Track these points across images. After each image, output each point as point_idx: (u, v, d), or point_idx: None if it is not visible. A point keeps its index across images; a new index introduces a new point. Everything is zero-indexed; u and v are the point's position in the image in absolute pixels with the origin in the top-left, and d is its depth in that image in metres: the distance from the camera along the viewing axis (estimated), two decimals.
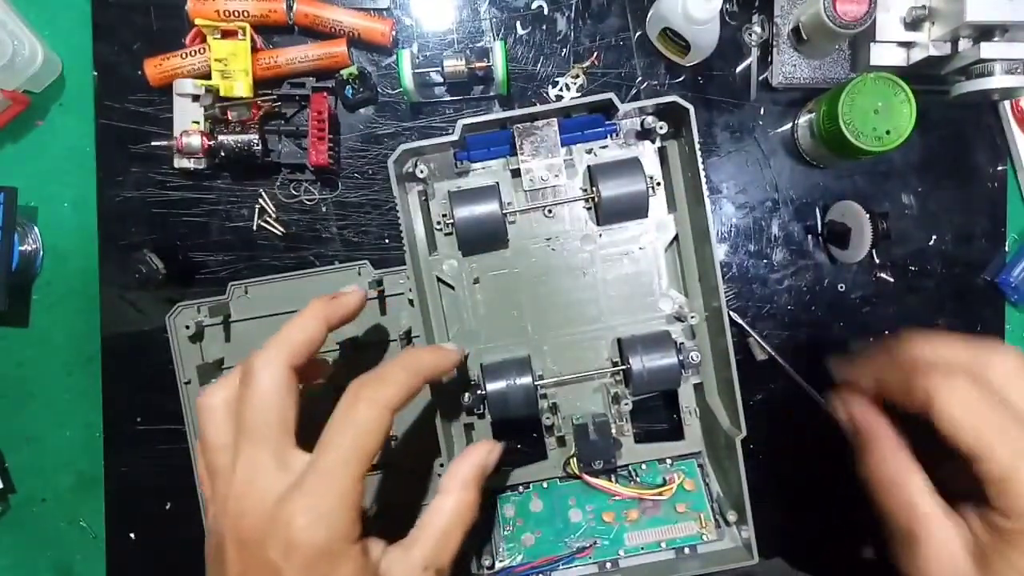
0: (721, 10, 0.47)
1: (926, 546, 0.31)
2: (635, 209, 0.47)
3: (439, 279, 0.49)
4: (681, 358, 0.46)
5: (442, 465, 0.47)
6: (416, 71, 0.49)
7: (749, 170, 0.53)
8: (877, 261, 0.53)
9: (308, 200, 0.52)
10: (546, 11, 0.53)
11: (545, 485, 0.49)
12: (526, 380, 0.45)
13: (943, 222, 0.54)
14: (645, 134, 0.48)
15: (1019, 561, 0.28)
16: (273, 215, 0.52)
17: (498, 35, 0.53)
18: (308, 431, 0.33)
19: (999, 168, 0.54)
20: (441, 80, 0.51)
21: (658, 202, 0.49)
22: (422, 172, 0.46)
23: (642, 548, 0.47)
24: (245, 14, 0.49)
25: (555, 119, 0.47)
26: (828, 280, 0.54)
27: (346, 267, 0.50)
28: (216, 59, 0.49)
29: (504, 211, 0.46)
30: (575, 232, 0.49)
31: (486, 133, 0.47)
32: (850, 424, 0.35)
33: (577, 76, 0.52)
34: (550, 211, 0.49)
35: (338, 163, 0.52)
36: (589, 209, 0.49)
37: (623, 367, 0.46)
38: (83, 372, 0.54)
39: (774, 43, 0.52)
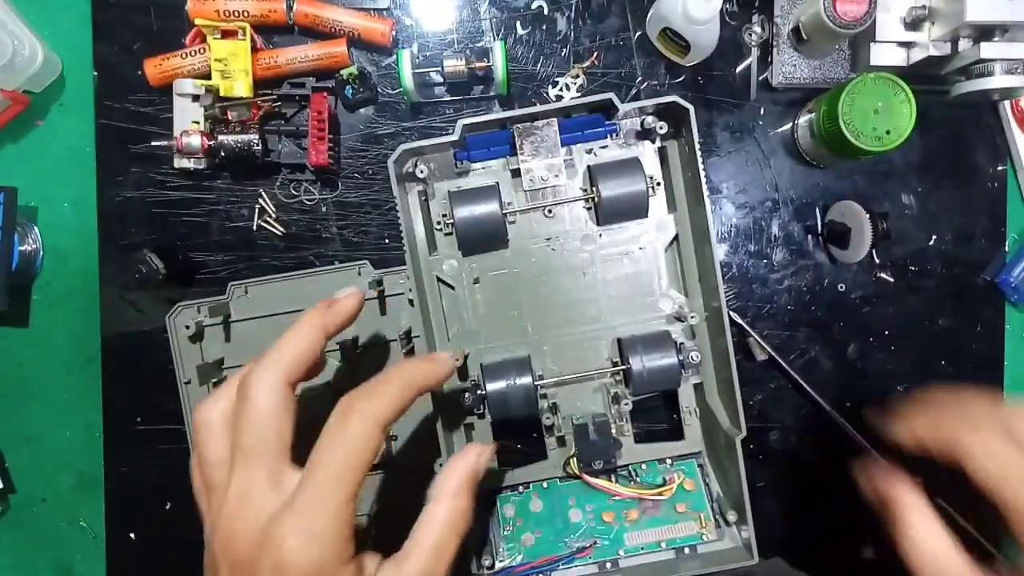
0: (721, 10, 0.47)
1: None
2: (635, 209, 0.47)
3: (439, 279, 0.49)
4: (681, 358, 0.46)
5: (441, 465, 0.47)
6: (416, 71, 0.49)
7: (749, 170, 0.53)
8: (877, 261, 0.53)
9: (308, 200, 0.52)
10: (546, 11, 0.53)
11: (545, 485, 0.49)
12: (526, 380, 0.45)
13: (943, 222, 0.54)
14: (645, 134, 0.48)
15: None
16: (273, 215, 0.52)
17: (498, 35, 0.53)
18: (309, 433, 0.32)
19: (999, 168, 0.54)
20: (441, 80, 0.51)
21: (658, 202, 0.49)
22: (422, 172, 0.46)
23: (642, 548, 0.47)
24: (245, 14, 0.49)
25: (555, 119, 0.47)
26: (828, 280, 0.54)
27: (346, 267, 0.50)
28: (216, 59, 0.49)
29: (504, 211, 0.46)
30: (575, 232, 0.49)
31: (486, 133, 0.47)
32: (875, 496, 0.37)
33: (577, 76, 0.52)
34: (550, 211, 0.49)
35: (338, 163, 0.52)
36: (589, 209, 0.49)
37: (623, 367, 0.46)
38: (83, 372, 0.54)
39: (774, 43, 0.52)
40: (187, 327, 0.48)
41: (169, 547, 0.52)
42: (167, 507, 0.53)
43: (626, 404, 0.47)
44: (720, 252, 0.53)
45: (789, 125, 0.53)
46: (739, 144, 0.53)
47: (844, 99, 0.46)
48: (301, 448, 0.32)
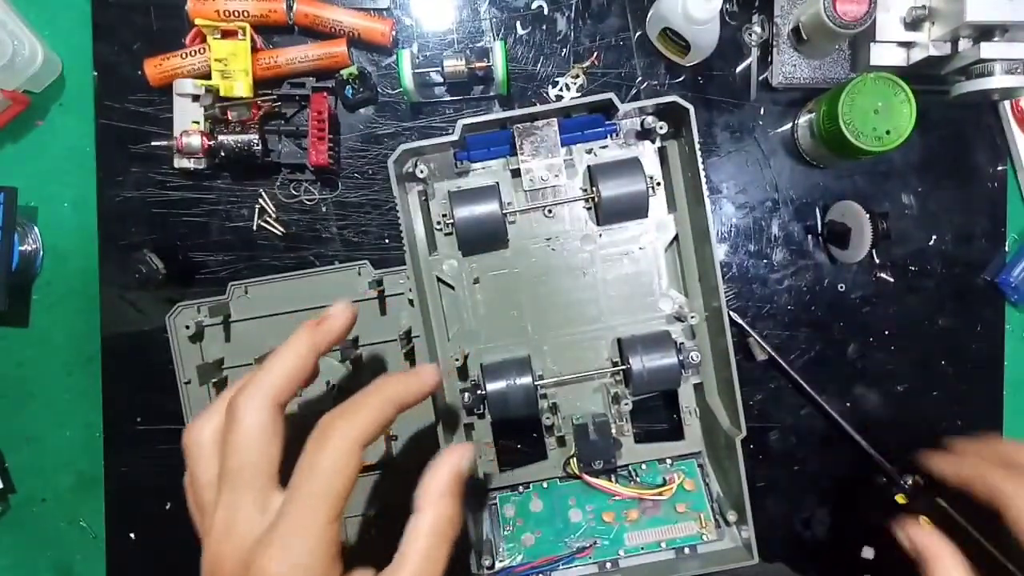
0: (721, 10, 0.47)
1: None
2: (635, 209, 0.47)
3: (439, 279, 0.49)
4: (681, 358, 0.46)
5: None
6: (416, 71, 0.49)
7: (749, 170, 0.53)
8: (877, 261, 0.53)
9: (308, 200, 0.52)
10: (546, 11, 0.53)
11: (545, 485, 0.49)
12: (526, 380, 0.45)
13: (943, 222, 0.54)
14: (645, 134, 0.48)
15: None
16: (273, 215, 0.52)
17: (498, 35, 0.53)
18: (305, 438, 0.32)
19: (999, 168, 0.54)
20: (441, 80, 0.51)
21: (658, 202, 0.49)
22: (422, 172, 0.46)
23: (642, 548, 0.47)
24: (245, 14, 0.49)
25: (555, 119, 0.47)
26: (828, 280, 0.54)
27: (346, 267, 0.50)
28: (216, 59, 0.49)
29: (504, 211, 0.46)
30: (575, 232, 0.49)
31: (486, 133, 0.47)
32: (913, 549, 0.40)
33: (577, 76, 0.52)
34: (550, 211, 0.49)
35: (338, 163, 0.52)
36: (589, 209, 0.49)
37: (623, 367, 0.46)
38: (83, 372, 0.54)
39: (774, 43, 0.52)
40: (187, 327, 0.48)
41: (169, 547, 0.52)
42: (167, 507, 0.53)
43: (626, 404, 0.47)
44: (720, 252, 0.53)
45: (789, 125, 0.53)
46: (739, 144, 0.53)
47: (844, 99, 0.46)
48: (293, 462, 0.32)
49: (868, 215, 0.49)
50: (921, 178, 0.54)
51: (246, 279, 0.50)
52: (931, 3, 0.47)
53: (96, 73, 0.52)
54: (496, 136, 0.47)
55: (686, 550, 0.47)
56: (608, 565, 0.47)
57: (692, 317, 0.47)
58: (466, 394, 0.46)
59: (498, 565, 0.46)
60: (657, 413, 0.52)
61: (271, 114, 0.51)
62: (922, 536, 0.39)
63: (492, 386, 0.45)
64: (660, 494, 0.47)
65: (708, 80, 0.53)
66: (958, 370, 0.54)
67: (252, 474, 0.31)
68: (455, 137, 0.45)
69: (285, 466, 0.32)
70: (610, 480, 0.48)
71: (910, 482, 0.51)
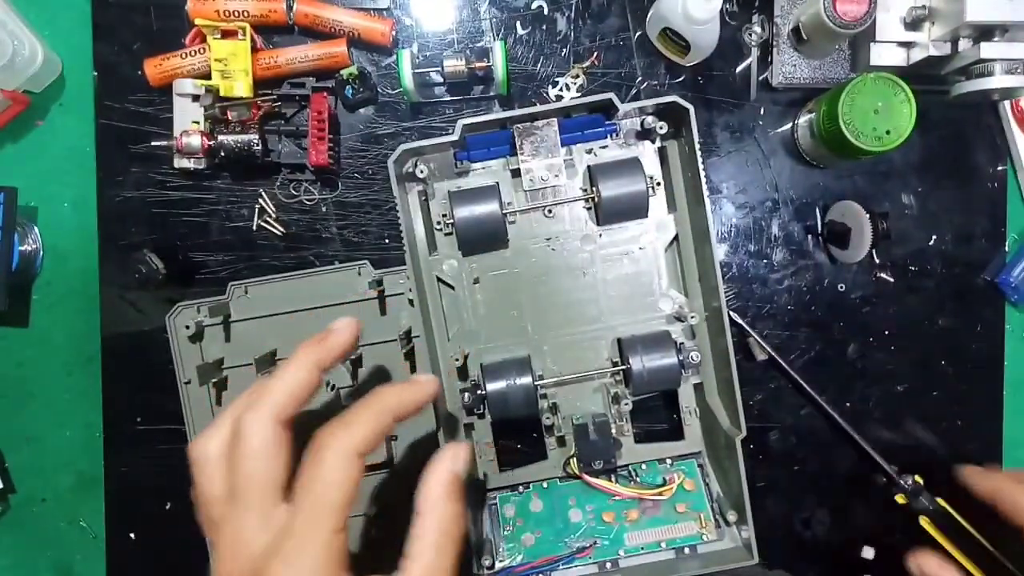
0: (721, 10, 0.47)
1: None
2: (635, 209, 0.47)
3: (439, 279, 0.49)
4: (681, 358, 0.46)
5: None
6: (416, 71, 0.49)
7: (749, 170, 0.53)
8: (877, 261, 0.53)
9: (308, 200, 0.52)
10: (546, 11, 0.53)
11: (545, 485, 0.49)
12: (526, 380, 0.45)
13: (943, 222, 0.54)
14: (645, 134, 0.48)
15: None
16: (273, 215, 0.52)
17: (498, 35, 0.53)
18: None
19: (999, 168, 0.54)
20: (441, 80, 0.51)
21: (658, 202, 0.49)
22: (422, 172, 0.46)
23: (642, 548, 0.47)
24: (245, 14, 0.49)
25: (555, 119, 0.47)
26: (828, 280, 0.54)
27: (346, 267, 0.50)
28: (216, 59, 0.49)
29: (504, 211, 0.46)
30: (575, 232, 0.49)
31: (486, 133, 0.47)
32: (919, 572, 0.44)
33: (577, 76, 0.52)
34: (550, 211, 0.49)
35: (338, 163, 0.52)
36: (589, 209, 0.49)
37: (623, 367, 0.46)
38: (83, 372, 0.54)
39: (774, 43, 0.52)
40: (187, 327, 0.48)
41: (169, 547, 0.52)
42: (167, 507, 0.53)
43: (626, 404, 0.47)
44: (720, 252, 0.53)
45: (789, 125, 0.53)
46: (739, 144, 0.53)
47: (844, 99, 0.46)
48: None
49: (868, 215, 0.49)
50: (921, 178, 0.54)
51: (246, 279, 0.50)
52: (931, 3, 0.47)
53: (96, 73, 0.52)
54: (496, 136, 0.47)
55: (686, 550, 0.47)
56: (608, 565, 0.47)
57: (692, 317, 0.47)
58: (466, 394, 0.46)
59: (498, 565, 0.46)
60: (657, 413, 0.52)
61: (271, 114, 0.51)
62: (930, 562, 0.44)
63: (492, 386, 0.45)
64: (660, 494, 0.47)
65: (708, 80, 0.53)
66: (958, 370, 0.54)
67: (259, 490, 0.31)
68: (455, 137, 0.45)
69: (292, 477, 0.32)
70: (610, 480, 0.48)
71: (910, 482, 0.51)
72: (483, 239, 0.48)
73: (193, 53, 0.50)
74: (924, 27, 0.48)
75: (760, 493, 0.52)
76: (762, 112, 0.53)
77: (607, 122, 0.48)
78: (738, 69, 0.53)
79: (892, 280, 0.54)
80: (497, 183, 0.48)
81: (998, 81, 0.46)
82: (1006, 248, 0.54)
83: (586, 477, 0.47)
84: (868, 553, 0.54)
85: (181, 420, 0.50)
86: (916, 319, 0.54)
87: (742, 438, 0.44)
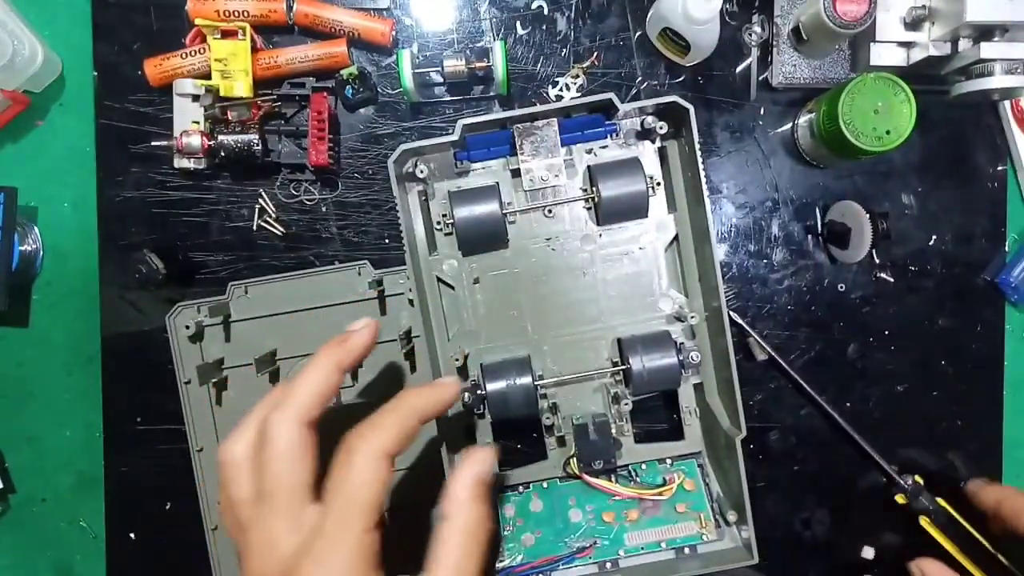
0: (721, 10, 0.47)
1: None
2: (635, 209, 0.47)
3: (439, 279, 0.49)
4: (681, 358, 0.46)
5: (444, 458, 0.47)
6: (416, 71, 0.49)
7: (749, 170, 0.53)
8: (877, 261, 0.53)
9: (308, 200, 0.52)
10: (546, 11, 0.53)
11: (545, 485, 0.49)
12: (526, 380, 0.45)
13: (943, 222, 0.54)
14: (645, 134, 0.48)
15: None
16: (273, 215, 0.52)
17: (498, 35, 0.53)
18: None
19: (999, 168, 0.54)
20: (441, 80, 0.51)
21: (658, 202, 0.49)
22: (422, 172, 0.46)
23: (642, 548, 0.47)
24: (245, 14, 0.49)
25: (555, 119, 0.47)
26: (828, 280, 0.54)
27: (346, 267, 0.50)
28: (216, 59, 0.49)
29: (504, 211, 0.46)
30: (575, 232, 0.49)
31: (486, 133, 0.47)
32: None
33: (577, 76, 0.52)
34: (550, 211, 0.49)
35: (338, 163, 0.52)
36: (589, 209, 0.49)
37: (623, 367, 0.46)
38: (83, 372, 0.54)
39: (774, 43, 0.52)
40: (187, 327, 0.48)
41: (169, 547, 0.53)
42: (167, 507, 0.53)
43: (626, 404, 0.47)
44: (720, 252, 0.53)
45: (789, 125, 0.53)
46: (739, 144, 0.53)
47: (844, 99, 0.46)
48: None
49: (868, 215, 0.49)
50: (921, 178, 0.54)
51: (246, 279, 0.50)
52: (931, 3, 0.47)
53: (96, 73, 0.52)
54: (496, 136, 0.47)
55: (686, 550, 0.47)
56: (608, 565, 0.47)
57: (692, 317, 0.47)
58: (466, 394, 0.46)
59: (498, 565, 0.46)
60: (657, 413, 0.52)
61: (271, 114, 0.51)
62: (932, 567, 0.46)
63: (492, 386, 0.45)
64: (660, 494, 0.47)
65: (708, 80, 0.53)
66: (958, 370, 0.54)
67: (287, 492, 0.31)
68: (455, 137, 0.45)
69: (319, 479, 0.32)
70: (610, 480, 0.48)
71: (910, 482, 0.51)
72: (483, 239, 0.48)
73: (193, 53, 0.50)
74: (924, 27, 0.48)
75: (760, 493, 0.52)
76: (762, 112, 0.53)
77: (607, 122, 0.48)
78: (738, 69, 0.53)
79: (892, 280, 0.54)
80: (497, 183, 0.48)
81: (998, 81, 0.46)
82: (1006, 248, 0.54)
83: (586, 477, 0.47)
84: (868, 553, 0.54)
85: (181, 420, 0.50)
86: (916, 319, 0.54)
87: (742, 438, 0.44)
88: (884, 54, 0.49)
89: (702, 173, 0.45)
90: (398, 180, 0.46)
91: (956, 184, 0.54)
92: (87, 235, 0.53)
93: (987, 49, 0.45)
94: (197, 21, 0.49)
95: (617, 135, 0.48)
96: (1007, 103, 0.53)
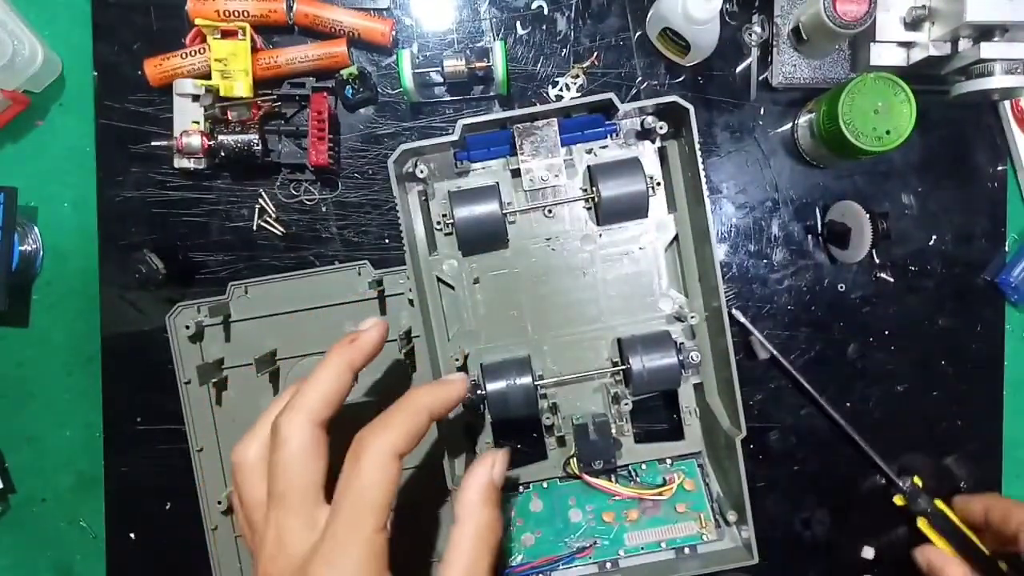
0: (721, 10, 0.47)
1: None
2: (635, 209, 0.47)
3: (439, 279, 0.49)
4: (681, 358, 0.46)
5: (447, 459, 0.47)
6: (416, 71, 0.49)
7: (749, 170, 0.53)
8: (877, 261, 0.53)
9: (308, 200, 0.52)
10: (546, 11, 0.53)
11: (545, 485, 0.49)
12: (526, 380, 0.45)
13: (943, 222, 0.54)
14: (645, 134, 0.48)
15: None
16: (273, 215, 0.52)
17: (498, 35, 0.53)
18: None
19: (999, 168, 0.54)
20: (441, 80, 0.51)
21: (658, 202, 0.49)
22: (422, 172, 0.46)
23: (642, 548, 0.47)
24: (245, 14, 0.49)
25: (555, 119, 0.47)
26: (828, 280, 0.54)
27: (346, 267, 0.50)
28: (216, 59, 0.49)
29: (504, 211, 0.46)
30: (575, 232, 0.49)
31: (486, 133, 0.47)
32: (928, 566, 0.47)
33: (577, 76, 0.52)
34: (550, 211, 0.49)
35: (338, 163, 0.52)
36: (589, 209, 0.49)
37: (623, 367, 0.46)
38: (83, 372, 0.54)
39: (774, 43, 0.52)
40: (187, 327, 0.48)
41: (169, 547, 0.53)
42: (167, 507, 0.53)
43: (626, 404, 0.47)
44: (720, 252, 0.53)
45: (789, 125, 0.53)
46: (739, 144, 0.53)
47: (844, 99, 0.46)
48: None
49: (868, 215, 0.49)
50: (921, 178, 0.54)
51: (246, 279, 0.50)
52: (931, 3, 0.47)
53: (96, 73, 0.52)
54: (496, 136, 0.47)
55: (686, 550, 0.47)
56: (608, 565, 0.47)
57: (692, 317, 0.47)
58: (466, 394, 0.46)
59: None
60: (657, 413, 0.52)
61: (271, 114, 0.51)
62: (935, 555, 0.46)
63: (492, 386, 0.45)
64: (660, 494, 0.47)
65: (708, 80, 0.53)
66: (958, 370, 0.54)
67: (300, 494, 0.32)
68: (455, 137, 0.45)
69: (331, 479, 0.33)
70: (610, 480, 0.48)
71: (908, 484, 0.51)
72: (483, 239, 0.48)
73: (193, 53, 0.50)
74: (924, 27, 0.48)
75: (760, 493, 0.52)
76: (762, 112, 0.53)
77: (607, 122, 0.48)
78: (738, 69, 0.53)
79: (892, 280, 0.54)
80: (497, 183, 0.48)
81: (998, 81, 0.46)
82: (1006, 248, 0.54)
83: (586, 477, 0.47)
84: (868, 553, 0.54)
85: (181, 420, 0.50)
86: (916, 319, 0.54)
87: (742, 438, 0.44)
88: (884, 54, 0.49)
89: (702, 173, 0.45)
90: (398, 180, 0.46)
91: (956, 184, 0.54)
92: (87, 235, 0.53)
93: (987, 49, 0.45)
94: (197, 21, 0.49)
95: (617, 135, 0.48)
96: (1007, 103, 0.53)
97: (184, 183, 0.52)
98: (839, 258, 0.53)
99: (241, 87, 0.49)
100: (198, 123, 0.50)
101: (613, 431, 0.47)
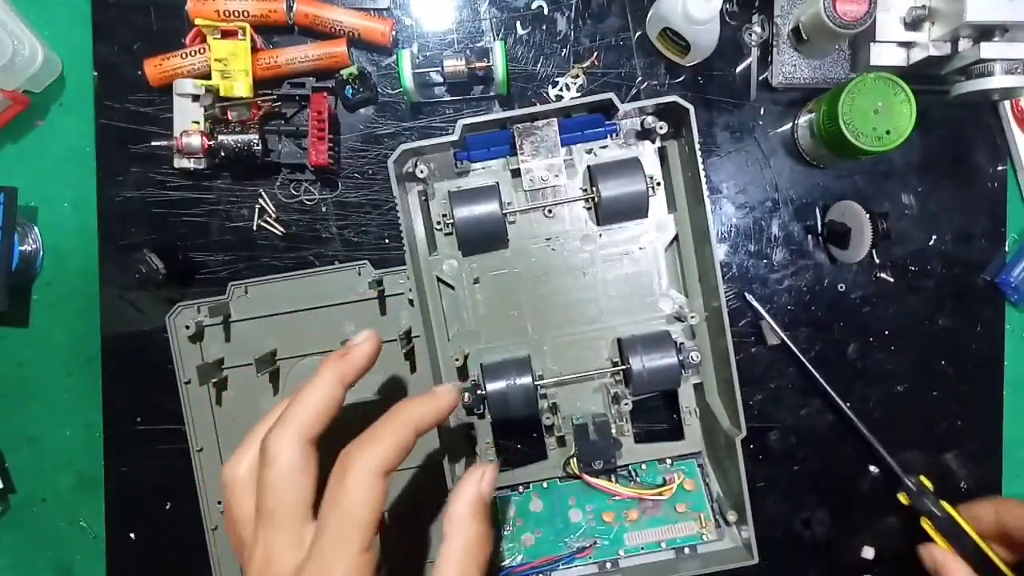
0: (721, 10, 0.47)
1: None
2: (635, 209, 0.47)
3: (439, 279, 0.49)
4: (681, 358, 0.46)
5: (446, 460, 0.47)
6: (416, 71, 0.49)
7: (749, 170, 0.53)
8: (877, 261, 0.53)
9: (308, 200, 0.52)
10: (546, 11, 0.53)
11: (545, 485, 0.49)
12: (526, 380, 0.45)
13: (943, 222, 0.54)
14: (645, 134, 0.48)
15: None
16: (273, 215, 0.52)
17: (498, 35, 0.53)
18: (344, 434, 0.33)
19: (999, 168, 0.54)
20: (441, 80, 0.51)
21: (658, 202, 0.49)
22: (422, 172, 0.46)
23: (642, 548, 0.47)
24: (245, 14, 0.49)
25: (555, 119, 0.47)
26: (828, 280, 0.54)
27: (346, 267, 0.50)
28: (216, 59, 0.49)
29: (504, 211, 0.46)
30: (575, 232, 0.49)
31: (486, 133, 0.47)
32: (932, 564, 0.47)
33: (577, 76, 0.52)
34: (550, 211, 0.49)
35: (338, 163, 0.52)
36: (589, 209, 0.49)
37: (623, 367, 0.46)
38: (83, 372, 0.54)
39: (774, 43, 0.52)
40: (187, 327, 0.48)
41: (169, 547, 0.53)
42: (167, 507, 0.53)
43: (626, 404, 0.47)
44: (720, 252, 0.53)
45: (789, 125, 0.53)
46: (739, 144, 0.53)
47: (844, 99, 0.46)
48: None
49: (868, 215, 0.49)
50: (921, 178, 0.54)
51: (246, 279, 0.50)
52: (931, 3, 0.47)
53: (96, 73, 0.52)
54: (496, 136, 0.47)
55: (686, 550, 0.47)
56: (608, 565, 0.47)
57: (692, 317, 0.47)
58: (466, 394, 0.46)
59: (498, 565, 0.46)
60: (657, 413, 0.52)
61: (271, 114, 0.51)
62: (941, 555, 0.46)
63: (492, 386, 0.45)
64: (660, 494, 0.47)
65: (708, 80, 0.53)
66: (958, 370, 0.54)
67: (289, 510, 0.32)
68: (455, 137, 0.45)
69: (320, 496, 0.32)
70: (610, 480, 0.48)
71: (915, 482, 0.51)
72: (483, 239, 0.48)
73: (193, 53, 0.50)
74: (924, 27, 0.48)
75: (760, 493, 0.52)
76: (762, 112, 0.53)
77: (607, 122, 0.48)
78: (738, 69, 0.53)
79: (892, 280, 0.54)
80: (497, 183, 0.48)
81: (998, 81, 0.46)
82: (1006, 248, 0.54)
83: (586, 477, 0.47)
84: (868, 553, 0.54)
85: (181, 420, 0.50)
86: (916, 319, 0.54)
87: (742, 438, 0.44)
88: (884, 54, 0.49)
89: (702, 173, 0.45)
90: (398, 180, 0.46)
91: (956, 184, 0.54)
92: (87, 235, 0.53)
93: (987, 49, 0.45)
94: (197, 21, 0.49)
95: (617, 135, 0.48)
96: (1007, 103, 0.53)
97: (184, 183, 0.52)
98: (839, 258, 0.53)
99: (241, 87, 0.49)
100: (198, 123, 0.50)
101: (613, 431, 0.47)
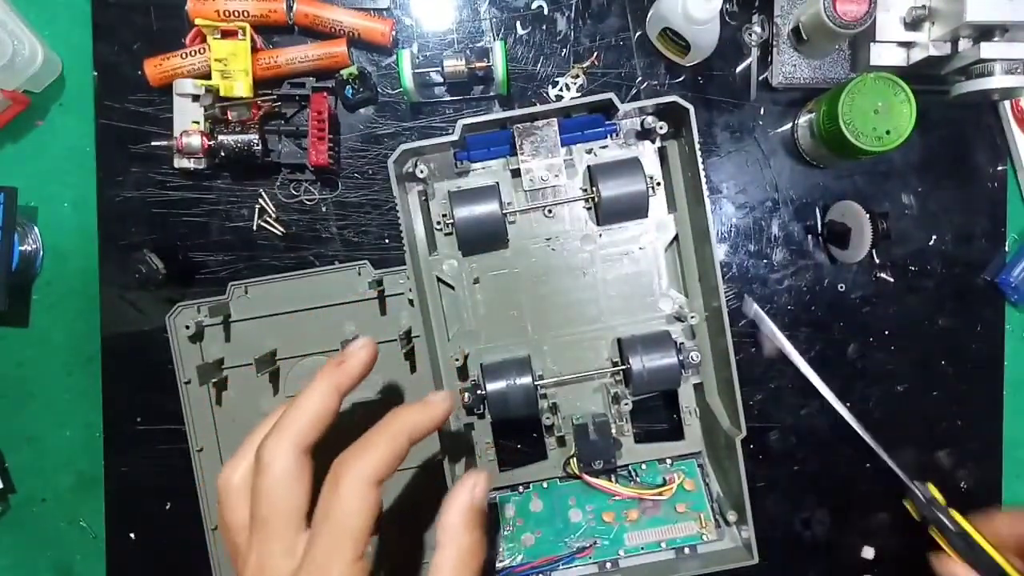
0: (721, 10, 0.47)
1: None
2: (635, 209, 0.47)
3: (439, 279, 0.49)
4: (681, 358, 0.46)
5: (444, 458, 0.47)
6: (416, 71, 0.49)
7: (749, 170, 0.53)
8: (877, 261, 0.53)
9: (308, 200, 0.52)
10: (546, 11, 0.53)
11: (545, 485, 0.49)
12: (526, 380, 0.45)
13: (943, 222, 0.54)
14: (645, 134, 0.48)
15: None
16: (273, 215, 0.52)
17: (498, 35, 0.53)
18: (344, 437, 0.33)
19: (999, 168, 0.54)
20: (441, 80, 0.51)
21: (658, 202, 0.49)
22: (422, 172, 0.46)
23: (642, 548, 0.47)
24: (245, 14, 0.49)
25: (555, 119, 0.47)
26: (828, 280, 0.54)
27: (346, 267, 0.50)
28: (216, 59, 0.49)
29: (504, 211, 0.46)
30: (575, 232, 0.49)
31: (486, 133, 0.47)
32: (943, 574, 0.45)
33: (577, 76, 0.52)
34: (550, 211, 0.49)
35: (338, 163, 0.52)
36: (589, 209, 0.49)
37: (623, 367, 0.46)
38: (83, 372, 0.54)
39: (774, 43, 0.52)
40: (187, 327, 0.48)
41: (169, 547, 0.53)
42: (167, 507, 0.53)
43: (626, 404, 0.47)
44: (720, 252, 0.53)
45: (789, 125, 0.53)
46: (739, 144, 0.53)
47: (844, 99, 0.46)
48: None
49: (868, 215, 0.49)
50: (921, 178, 0.54)
51: (246, 279, 0.50)
52: (931, 3, 0.47)
53: (96, 73, 0.52)
54: (496, 136, 0.47)
55: (686, 550, 0.47)
56: (608, 565, 0.47)
57: (692, 317, 0.47)
58: (466, 394, 0.46)
59: (498, 565, 0.46)
60: (657, 413, 0.52)
61: (271, 114, 0.51)
62: (952, 566, 0.44)
63: (492, 386, 0.45)
64: (660, 494, 0.47)
65: (708, 80, 0.53)
66: (958, 370, 0.54)
67: (283, 519, 0.32)
68: (455, 137, 0.45)
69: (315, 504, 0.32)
70: (610, 480, 0.48)
71: (922, 490, 0.50)
72: (483, 239, 0.48)
73: (193, 53, 0.50)
74: (924, 27, 0.48)
75: (760, 493, 0.52)
76: (762, 112, 0.53)
77: (607, 122, 0.48)
78: (738, 69, 0.53)
79: (892, 280, 0.54)
80: (497, 183, 0.48)
81: (998, 81, 0.46)
82: (1006, 248, 0.54)
83: (586, 477, 0.47)
84: (868, 553, 0.54)
85: (181, 420, 0.50)
86: (916, 319, 0.54)
87: (742, 438, 0.44)
88: (884, 54, 0.49)
89: (702, 173, 0.45)
90: (398, 180, 0.46)
91: (956, 184, 0.54)
92: (87, 235, 0.53)
93: (987, 49, 0.45)
94: (197, 21, 0.49)
95: (617, 135, 0.48)
96: (1007, 103, 0.53)
97: (184, 183, 0.52)
98: (839, 258, 0.53)
99: (241, 87, 0.49)
100: (198, 123, 0.50)
101: (613, 431, 0.47)
